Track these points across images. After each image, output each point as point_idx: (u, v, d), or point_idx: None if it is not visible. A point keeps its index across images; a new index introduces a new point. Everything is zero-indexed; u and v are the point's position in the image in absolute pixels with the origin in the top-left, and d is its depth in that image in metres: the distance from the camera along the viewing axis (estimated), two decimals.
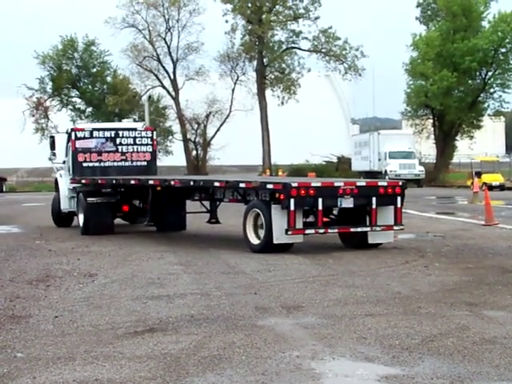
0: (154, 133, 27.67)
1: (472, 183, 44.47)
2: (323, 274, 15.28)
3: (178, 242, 22.16)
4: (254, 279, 14.69)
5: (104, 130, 26.98)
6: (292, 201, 17.68)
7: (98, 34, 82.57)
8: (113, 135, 26.42)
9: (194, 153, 79.30)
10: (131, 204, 25.50)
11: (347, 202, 18.55)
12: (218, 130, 78.16)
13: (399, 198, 19.10)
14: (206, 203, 23.17)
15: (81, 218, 25.08)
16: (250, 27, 75.42)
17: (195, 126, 79.09)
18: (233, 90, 77.02)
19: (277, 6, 76.05)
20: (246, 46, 76.36)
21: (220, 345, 9.40)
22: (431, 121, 76.62)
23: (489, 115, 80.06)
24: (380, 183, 19.79)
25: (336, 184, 18.81)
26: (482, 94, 73.57)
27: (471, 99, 72.60)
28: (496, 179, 58.89)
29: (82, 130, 26.62)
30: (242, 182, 20.17)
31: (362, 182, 19.86)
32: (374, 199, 18.66)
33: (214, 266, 16.57)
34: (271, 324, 10.58)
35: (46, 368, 8.55)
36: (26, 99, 75.86)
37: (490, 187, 48.68)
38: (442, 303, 11.90)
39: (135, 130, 27.41)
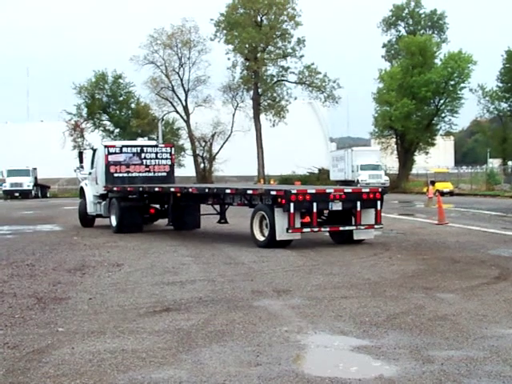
0: (173, 149, 27.29)
1: (427, 190, 44.46)
2: (307, 264, 15.29)
3: (188, 238, 22.13)
4: (250, 268, 14.68)
5: (131, 146, 26.52)
6: (292, 205, 17.58)
7: (125, 69, 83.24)
8: (138, 151, 26.02)
9: (202, 165, 79.22)
10: (154, 207, 25.31)
11: (337, 206, 18.40)
12: (221, 147, 78.13)
13: (379, 202, 18.95)
14: (216, 206, 22.76)
15: (113, 219, 24.73)
16: (247, 64, 75.52)
17: (203, 144, 79.03)
18: (233, 115, 76.94)
19: (269, 47, 76.15)
20: (244, 78, 76.41)
21: (223, 322, 9.41)
22: (394, 139, 76.62)
23: (441, 135, 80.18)
24: (363, 190, 19.56)
25: (327, 190, 18.67)
26: (435, 118, 73.55)
27: (427, 122, 72.62)
28: (447, 187, 58.96)
29: (114, 146, 26.19)
30: (250, 189, 20.04)
31: (348, 189, 19.50)
32: (358, 203, 18.54)
33: (218, 258, 16.56)
34: (265, 305, 10.59)
35: (82, 340, 8.57)
36: (65, 122, 75.76)
37: (442, 193, 48.61)
38: (403, 287, 11.93)
39: (157, 146, 27.14)
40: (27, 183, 69.61)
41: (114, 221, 24.78)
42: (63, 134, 75.07)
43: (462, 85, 70.95)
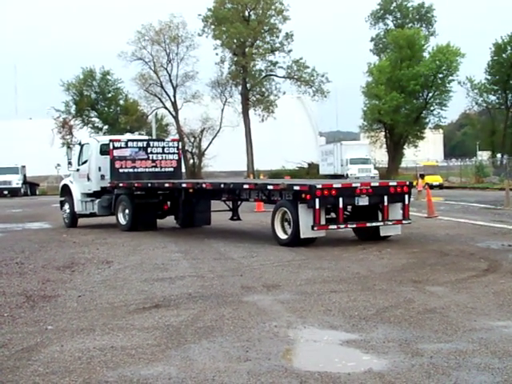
0: (180, 143, 26.59)
1: (417, 183, 44.56)
2: (296, 258, 15.29)
3: (178, 234, 22.09)
4: (240, 263, 14.68)
5: (137, 140, 25.70)
6: (317, 200, 16.66)
7: (113, 66, 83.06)
8: (145, 145, 25.11)
9: (191, 161, 79.26)
10: (167, 204, 24.46)
11: (363, 201, 17.53)
12: (210, 142, 78.20)
13: (407, 196, 18.15)
14: (228, 203, 22.36)
15: (121, 216, 23.87)
16: (235, 59, 75.55)
17: (192, 140, 79.09)
18: (222, 110, 76.97)
19: (257, 41, 76.19)
20: (233, 74, 76.44)
21: (213, 317, 9.42)
22: (383, 133, 76.80)
23: (430, 128, 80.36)
24: (391, 183, 18.62)
25: (354, 185, 17.77)
26: (424, 111, 73.78)
27: (415, 115, 72.83)
28: (436, 180, 59.03)
29: (119, 140, 25.18)
30: (270, 184, 19.04)
31: (375, 183, 18.66)
32: (385, 197, 17.66)
33: (207, 254, 16.55)
34: (254, 300, 10.59)
35: (72, 338, 8.56)
36: (54, 119, 75.53)
37: (431, 186, 48.75)
38: (393, 281, 11.95)
39: (163, 140, 26.45)
40: (16, 181, 69.28)
41: (122, 218, 23.96)
42: (52, 131, 74.89)
43: (451, 78, 71.25)
